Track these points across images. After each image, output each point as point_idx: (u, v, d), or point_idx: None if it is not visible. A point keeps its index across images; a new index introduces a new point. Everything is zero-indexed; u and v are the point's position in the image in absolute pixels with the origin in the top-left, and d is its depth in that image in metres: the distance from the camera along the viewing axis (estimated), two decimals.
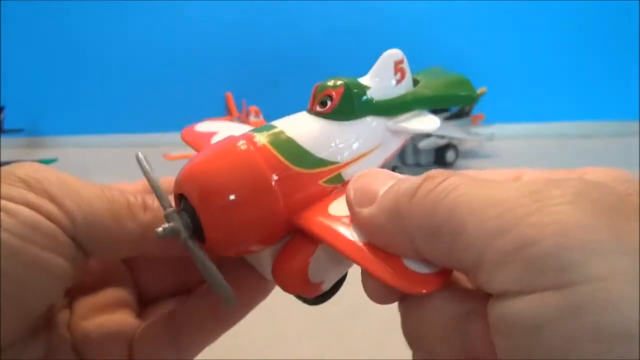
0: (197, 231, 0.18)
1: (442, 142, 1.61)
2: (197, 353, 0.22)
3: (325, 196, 0.19)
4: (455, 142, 1.67)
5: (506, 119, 1.96)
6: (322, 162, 0.19)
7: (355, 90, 0.21)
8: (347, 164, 0.20)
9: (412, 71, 0.24)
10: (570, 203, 0.12)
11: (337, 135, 0.20)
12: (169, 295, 0.24)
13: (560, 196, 0.13)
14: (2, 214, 0.16)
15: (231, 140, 0.19)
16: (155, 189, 0.18)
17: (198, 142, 0.24)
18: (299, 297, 0.21)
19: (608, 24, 1.93)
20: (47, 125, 2.40)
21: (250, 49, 2.07)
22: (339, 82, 0.21)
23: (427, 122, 0.23)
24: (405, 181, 0.16)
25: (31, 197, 0.17)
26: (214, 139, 0.23)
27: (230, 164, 0.18)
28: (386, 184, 0.17)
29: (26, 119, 2.26)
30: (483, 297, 0.14)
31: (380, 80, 0.22)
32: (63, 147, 2.29)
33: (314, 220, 0.18)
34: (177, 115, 1.52)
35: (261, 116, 1.61)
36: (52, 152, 1.98)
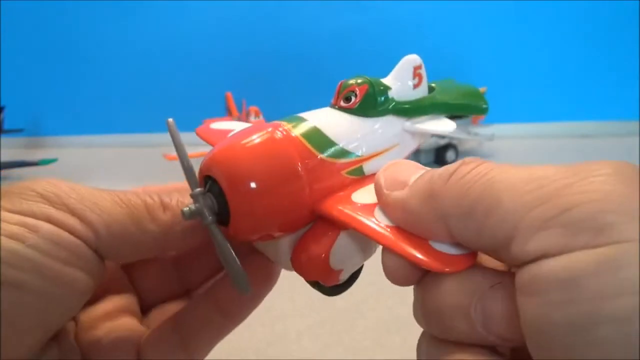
0: (220, 215, 0.18)
1: (442, 142, 1.62)
2: (206, 353, 0.22)
3: (347, 187, 0.20)
4: (455, 142, 1.67)
5: (506, 119, 1.96)
6: (346, 153, 0.20)
7: (378, 89, 0.22)
8: (368, 158, 0.21)
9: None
10: (609, 175, 0.13)
11: (360, 129, 0.21)
12: (169, 299, 0.24)
13: (599, 169, 0.13)
14: (24, 229, 0.16)
15: (261, 127, 0.19)
16: (184, 165, 0.18)
17: (214, 138, 0.24)
18: (316, 285, 0.21)
19: (608, 24, 1.93)
20: (47, 125, 2.40)
21: (251, 49, 2.07)
22: (363, 80, 0.22)
23: (443, 125, 0.24)
24: (439, 169, 0.16)
25: (52, 212, 0.17)
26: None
27: (262, 149, 0.18)
28: (417, 173, 0.17)
29: (26, 119, 2.26)
30: (507, 272, 0.14)
31: (399, 82, 0.23)
32: (63, 147, 2.29)
33: (338, 207, 0.18)
34: (177, 115, 1.51)
35: (261, 116, 1.61)
36: (52, 152, 1.98)
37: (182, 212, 0.17)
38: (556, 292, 0.12)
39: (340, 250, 0.19)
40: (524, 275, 0.13)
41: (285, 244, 0.20)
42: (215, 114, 1.78)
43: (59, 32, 2.19)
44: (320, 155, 0.19)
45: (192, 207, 0.18)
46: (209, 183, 0.18)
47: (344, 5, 1.98)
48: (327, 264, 0.19)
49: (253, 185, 0.17)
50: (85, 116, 2.33)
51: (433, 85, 0.25)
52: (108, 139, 2.32)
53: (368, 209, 0.18)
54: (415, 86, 0.24)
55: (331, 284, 0.20)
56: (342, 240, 0.19)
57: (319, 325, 0.82)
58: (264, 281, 0.23)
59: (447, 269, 0.15)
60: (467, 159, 0.16)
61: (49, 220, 0.16)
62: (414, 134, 0.23)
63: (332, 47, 2.01)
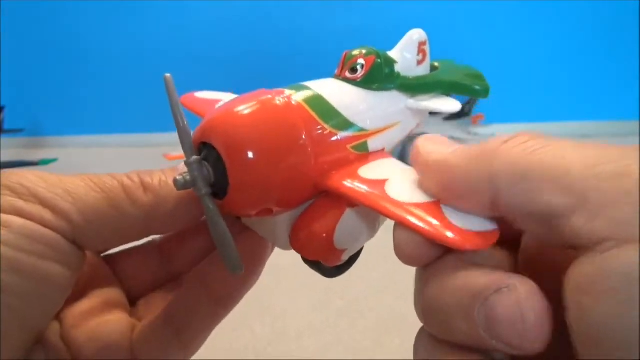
0: (216, 186, 0.17)
1: None
2: (201, 342, 0.21)
3: (352, 163, 0.19)
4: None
5: (506, 119, 1.96)
6: (352, 126, 0.19)
7: (385, 61, 0.21)
8: (373, 133, 0.20)
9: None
10: None
11: (365, 101, 0.20)
12: (157, 287, 0.23)
13: None
14: None
15: (263, 92, 0.18)
16: (179, 127, 0.17)
17: (202, 107, 0.23)
18: (315, 266, 0.20)
19: (608, 24, 1.93)
20: (47, 125, 2.39)
21: (251, 49, 2.07)
22: (369, 50, 0.21)
23: (448, 104, 0.22)
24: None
25: (21, 204, 0.15)
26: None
27: (264, 114, 0.17)
28: (456, 145, 0.16)
29: (26, 119, 2.26)
30: (515, 275, 0.13)
31: (404, 57, 0.22)
32: (63, 147, 2.29)
33: (345, 181, 0.17)
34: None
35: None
36: (52, 152, 1.98)
37: (175, 181, 0.16)
38: (632, 290, 0.10)
39: (345, 229, 0.18)
40: (587, 267, 0.11)
41: (283, 221, 0.19)
42: None
43: (59, 32, 2.19)
44: (325, 124, 0.18)
45: (186, 176, 0.16)
46: (205, 151, 0.17)
47: (344, 5, 1.98)
48: (331, 243, 0.18)
49: (255, 152, 0.16)
50: (85, 116, 2.33)
51: (436, 64, 0.24)
52: (108, 139, 2.32)
53: (378, 184, 0.17)
54: (419, 62, 0.23)
55: (333, 264, 0.19)
56: (348, 218, 0.18)
57: (319, 325, 0.82)
58: (254, 263, 0.21)
59: (467, 246, 0.14)
60: (524, 132, 0.15)
61: (19, 214, 0.15)
62: (415, 112, 0.22)
63: (333, 47, 2.01)
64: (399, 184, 0.17)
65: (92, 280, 0.21)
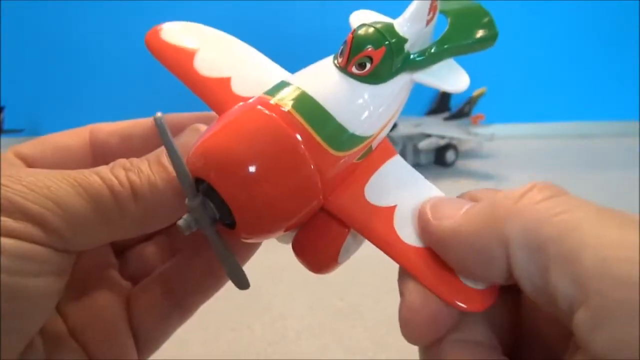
0: (224, 217, 0.15)
1: (442, 142, 1.61)
2: (198, 307, 0.21)
3: (354, 172, 0.17)
4: (455, 142, 1.67)
5: (506, 119, 1.96)
6: (359, 140, 0.17)
7: (397, 49, 0.18)
8: (379, 133, 0.18)
9: None
10: None
11: (375, 102, 0.18)
12: (143, 240, 0.22)
13: None
14: None
15: (249, 108, 0.16)
16: (178, 171, 0.15)
17: (177, 64, 0.20)
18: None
19: (608, 24, 1.93)
20: (47, 125, 2.39)
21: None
22: (380, 38, 0.18)
23: (457, 81, 0.20)
24: (501, 192, 0.14)
25: (9, 224, 0.14)
26: (198, 60, 0.20)
27: (257, 139, 0.15)
28: (467, 204, 0.15)
29: (26, 119, 2.26)
30: (522, 316, 0.13)
31: (414, 25, 0.19)
32: None
33: (353, 208, 0.16)
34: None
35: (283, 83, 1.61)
36: None
37: (179, 227, 0.15)
38: None
39: (348, 247, 0.18)
40: None
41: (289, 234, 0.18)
42: None
43: (59, 32, 2.19)
44: (332, 151, 0.16)
45: (189, 219, 0.15)
46: (202, 185, 0.16)
47: (345, 5, 1.98)
48: (335, 260, 0.18)
49: (250, 179, 0.15)
50: (85, 116, 2.33)
51: (444, 11, 0.22)
52: None
53: (387, 215, 0.16)
54: (429, 22, 0.20)
55: (330, 273, 0.19)
56: (350, 238, 0.18)
57: (319, 325, 0.82)
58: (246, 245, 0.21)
59: (480, 308, 0.14)
60: (539, 183, 0.14)
61: (10, 234, 0.14)
62: (414, 82, 0.20)
63: (333, 47, 2.01)
64: (407, 215, 0.17)
65: None
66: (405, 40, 0.19)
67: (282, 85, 0.17)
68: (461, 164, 1.69)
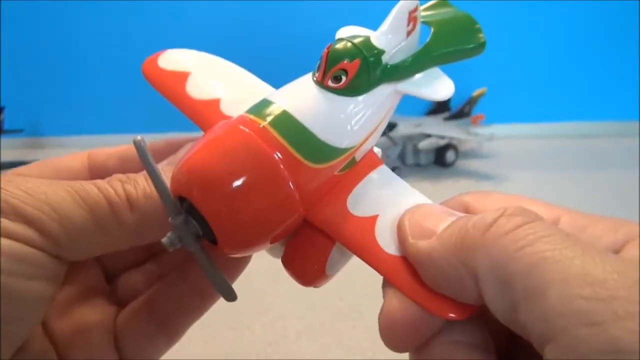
0: (207, 233, 0.16)
1: (442, 142, 1.61)
2: (186, 331, 0.21)
3: (338, 184, 0.18)
4: (455, 142, 1.67)
5: (506, 120, 1.96)
6: (338, 152, 0.17)
7: (372, 62, 0.18)
8: (360, 144, 0.18)
9: None
10: None
11: (353, 114, 0.18)
12: (134, 266, 0.22)
13: None
14: None
15: (229, 129, 0.16)
16: (159, 191, 0.16)
17: (169, 88, 0.21)
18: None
19: (608, 24, 1.93)
20: (47, 125, 2.39)
21: (250, 48, 2.07)
22: (354, 51, 0.18)
23: (441, 89, 0.20)
24: (473, 216, 0.14)
25: (7, 224, 0.15)
26: (190, 84, 0.21)
27: (233, 157, 0.16)
28: (446, 220, 0.15)
29: (26, 119, 2.26)
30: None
31: (393, 37, 0.19)
32: (63, 147, 2.29)
33: (335, 220, 0.17)
34: (177, 115, 1.52)
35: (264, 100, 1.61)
36: (52, 153, 1.98)
37: (163, 244, 0.16)
38: None
39: (335, 258, 0.18)
40: None
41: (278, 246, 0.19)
42: None
43: (59, 32, 2.19)
44: (309, 164, 0.16)
45: (172, 236, 0.16)
46: (185, 203, 0.16)
47: (345, 5, 1.98)
48: (322, 272, 0.18)
49: (228, 196, 0.15)
50: (85, 116, 2.33)
51: (427, 21, 0.21)
52: (108, 139, 2.32)
53: (368, 225, 0.16)
54: (409, 33, 0.20)
55: (321, 286, 0.19)
56: (337, 250, 0.18)
57: (319, 325, 0.82)
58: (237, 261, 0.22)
59: (447, 314, 0.14)
60: (509, 208, 0.14)
61: (7, 235, 0.14)
62: (401, 93, 0.20)
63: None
64: (389, 225, 0.17)
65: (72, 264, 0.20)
66: (382, 52, 0.19)
67: (262, 103, 0.17)
68: (461, 164, 1.69)
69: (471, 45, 0.22)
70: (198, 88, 0.21)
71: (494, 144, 1.76)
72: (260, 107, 0.17)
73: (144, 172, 0.18)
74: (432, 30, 0.21)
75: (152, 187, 0.17)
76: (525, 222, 0.13)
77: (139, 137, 0.16)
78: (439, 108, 1.84)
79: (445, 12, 0.23)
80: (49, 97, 2.32)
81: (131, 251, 0.21)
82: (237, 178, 0.15)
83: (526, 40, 1.97)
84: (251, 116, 0.17)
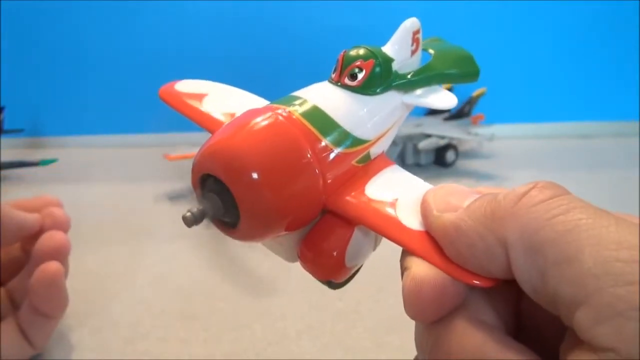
0: (227, 215, 0.16)
1: (442, 142, 1.61)
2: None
3: (357, 176, 0.18)
4: (455, 142, 1.67)
5: (506, 120, 1.96)
6: (357, 141, 0.19)
7: (385, 63, 0.20)
8: (375, 141, 0.19)
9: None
10: None
11: (368, 110, 0.20)
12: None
13: None
14: None
15: (258, 112, 0.17)
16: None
17: (186, 105, 0.21)
18: (322, 281, 0.20)
19: (608, 25, 1.92)
20: (47, 125, 2.39)
21: (251, 48, 2.07)
22: (368, 53, 0.20)
23: (445, 99, 0.22)
24: (503, 190, 0.14)
25: None
26: (207, 102, 0.22)
27: (268, 138, 0.16)
28: (471, 197, 0.15)
29: (26, 119, 2.26)
30: (527, 350, 0.13)
31: (400, 52, 0.22)
32: (63, 147, 2.29)
33: (357, 203, 0.17)
34: (177, 115, 1.52)
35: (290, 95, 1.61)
36: (52, 153, 1.98)
37: (184, 218, 0.16)
38: None
39: (355, 247, 0.18)
40: None
41: (292, 237, 0.19)
42: None
43: (59, 32, 2.19)
44: (330, 144, 0.17)
45: (194, 210, 0.16)
46: (209, 182, 0.16)
47: (346, 5, 1.98)
48: (342, 262, 0.18)
49: (262, 178, 0.16)
50: (85, 116, 2.33)
51: (430, 50, 0.24)
52: (108, 139, 2.32)
53: (390, 207, 0.17)
54: (413, 52, 0.22)
55: (342, 280, 0.19)
56: (357, 237, 0.18)
57: (319, 325, 0.82)
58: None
59: (475, 281, 0.14)
60: (540, 182, 0.14)
61: None
62: (408, 106, 0.22)
63: (334, 48, 2.01)
64: (409, 205, 0.17)
65: None
66: (392, 60, 0.21)
67: (290, 97, 0.19)
68: (461, 164, 1.69)
69: (468, 70, 0.24)
70: (215, 104, 0.23)
71: (494, 144, 1.76)
72: (289, 100, 0.18)
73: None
74: (432, 54, 0.23)
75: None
76: (556, 194, 0.13)
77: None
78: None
79: (442, 43, 0.25)
80: (49, 97, 2.32)
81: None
82: (271, 160, 0.16)
83: (526, 40, 1.97)
84: (282, 105, 0.18)
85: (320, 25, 2.03)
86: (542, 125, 2.05)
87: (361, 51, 0.20)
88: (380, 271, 0.89)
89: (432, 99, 0.22)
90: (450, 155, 1.66)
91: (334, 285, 0.20)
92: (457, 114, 1.76)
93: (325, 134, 0.17)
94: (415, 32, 0.22)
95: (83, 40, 2.19)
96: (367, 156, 0.19)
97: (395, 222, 0.16)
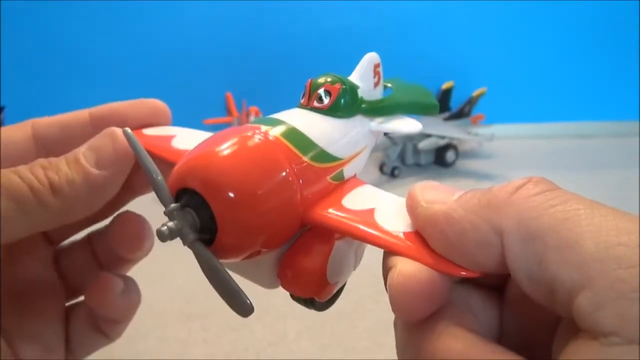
0: (202, 232, 0.16)
1: (442, 142, 1.61)
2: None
3: (332, 193, 0.18)
4: (455, 142, 1.67)
5: (506, 120, 1.96)
6: (331, 158, 0.19)
7: (350, 88, 0.21)
8: (347, 161, 0.20)
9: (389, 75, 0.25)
10: None
11: (337, 130, 0.20)
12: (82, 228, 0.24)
13: None
14: None
15: (237, 130, 0.17)
16: (152, 178, 0.16)
17: (156, 145, 0.22)
18: (305, 302, 0.20)
19: (608, 24, 1.93)
20: None
21: (251, 49, 2.07)
22: (334, 78, 0.21)
23: (410, 125, 0.23)
24: (495, 186, 0.14)
25: None
26: (176, 141, 0.22)
27: (246, 152, 0.16)
28: (458, 192, 0.15)
29: (26, 119, 2.25)
30: (504, 312, 0.13)
31: (364, 82, 0.22)
32: None
33: (334, 214, 0.17)
34: (177, 115, 1.51)
35: (262, 116, 1.61)
36: None
37: (159, 233, 0.15)
38: None
39: (336, 261, 0.18)
40: (586, 353, 0.11)
41: (269, 260, 0.18)
42: (215, 114, 1.78)
43: (59, 32, 2.19)
44: (307, 159, 0.18)
45: (171, 225, 0.15)
46: (186, 197, 0.16)
47: (345, 6, 1.98)
48: (324, 278, 0.18)
49: (243, 192, 0.15)
50: None
51: (389, 84, 0.25)
52: None
53: (367, 214, 0.17)
54: (375, 84, 0.23)
55: (326, 298, 0.19)
56: (337, 250, 0.18)
57: (319, 326, 0.82)
58: (136, 245, 0.22)
59: (460, 272, 0.14)
60: (534, 177, 0.14)
61: None
62: (375, 134, 0.23)
63: (334, 48, 2.01)
64: (387, 213, 0.17)
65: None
66: (357, 87, 0.22)
67: (262, 119, 0.19)
68: (461, 164, 1.69)
69: (427, 102, 0.26)
70: (185, 143, 0.22)
71: (494, 144, 1.76)
72: (264, 121, 0.19)
73: (67, 157, 0.19)
74: (392, 87, 0.25)
75: (74, 173, 0.19)
76: (551, 188, 0.13)
77: (127, 129, 0.18)
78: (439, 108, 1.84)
79: (401, 81, 0.26)
80: (49, 97, 2.32)
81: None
82: (252, 175, 0.16)
83: (526, 41, 1.97)
84: (259, 124, 0.18)
85: (320, 27, 2.03)
86: (542, 125, 2.05)
87: (329, 77, 0.21)
88: (380, 272, 0.89)
89: (398, 125, 0.23)
90: (450, 155, 1.66)
91: (317, 305, 0.20)
92: (457, 114, 1.77)
93: (301, 150, 0.18)
94: (376, 66, 0.23)
95: (83, 41, 2.19)
96: (341, 174, 0.19)
97: (376, 227, 0.16)
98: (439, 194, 0.15)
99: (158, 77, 2.18)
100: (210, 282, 0.16)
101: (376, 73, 0.23)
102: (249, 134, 0.17)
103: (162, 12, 2.09)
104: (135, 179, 0.21)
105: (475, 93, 1.75)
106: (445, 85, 1.81)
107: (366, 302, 0.85)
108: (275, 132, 0.18)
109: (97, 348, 0.23)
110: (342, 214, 0.17)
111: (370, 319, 0.82)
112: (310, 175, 0.18)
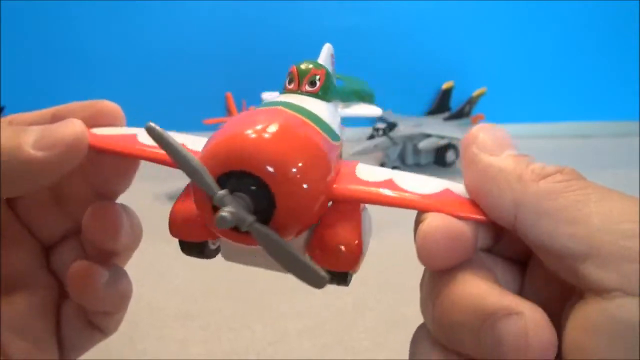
0: (258, 215, 0.15)
1: (442, 142, 1.62)
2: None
3: (341, 169, 0.19)
4: (455, 142, 1.67)
5: (506, 119, 1.96)
6: (337, 137, 0.20)
7: (329, 75, 0.22)
8: (340, 144, 0.21)
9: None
10: None
11: (332, 112, 0.21)
12: (68, 236, 0.23)
13: None
14: None
15: (272, 112, 0.18)
16: (191, 167, 0.15)
17: (121, 144, 0.21)
18: (339, 280, 0.19)
19: (608, 24, 1.93)
20: None
21: (251, 49, 2.07)
22: (319, 64, 0.22)
23: (369, 109, 0.25)
24: (537, 163, 0.16)
25: None
26: (142, 139, 0.21)
27: (292, 132, 0.17)
28: (512, 149, 0.17)
29: None
30: (526, 302, 0.14)
31: (329, 67, 0.23)
32: None
33: (360, 187, 0.18)
34: (177, 115, 1.52)
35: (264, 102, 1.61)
36: None
37: (220, 220, 0.14)
38: (634, 339, 0.11)
39: (365, 232, 0.18)
40: (592, 311, 0.12)
41: (299, 242, 0.18)
42: (215, 114, 1.78)
43: (59, 32, 2.19)
44: (328, 138, 0.19)
45: (227, 212, 0.15)
46: (232, 181, 0.16)
47: (345, 6, 1.98)
48: (361, 247, 0.18)
49: (299, 172, 0.16)
50: None
51: (338, 76, 0.26)
52: None
53: (390, 184, 0.18)
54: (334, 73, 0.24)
55: (358, 269, 0.19)
56: (364, 220, 0.18)
57: (319, 325, 0.82)
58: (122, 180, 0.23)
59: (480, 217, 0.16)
60: (567, 168, 0.15)
61: None
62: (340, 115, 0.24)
63: (334, 47, 2.01)
64: (405, 180, 0.18)
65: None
66: (330, 72, 0.23)
67: (275, 102, 0.20)
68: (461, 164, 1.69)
69: (368, 90, 0.28)
70: (150, 139, 0.21)
71: None
72: (278, 104, 0.19)
73: (15, 128, 0.20)
74: (342, 78, 0.26)
75: (11, 143, 0.19)
76: (577, 177, 0.15)
77: (151, 123, 0.16)
78: (438, 108, 1.84)
79: (341, 73, 0.28)
80: (49, 97, 2.32)
81: (60, 222, 0.23)
82: (305, 156, 0.16)
83: (526, 40, 1.97)
84: (277, 107, 0.19)
85: (321, 27, 2.03)
86: (542, 125, 2.05)
87: (311, 64, 0.22)
88: (381, 271, 0.89)
89: (359, 109, 0.25)
90: (450, 155, 1.66)
91: (350, 277, 0.19)
92: (457, 114, 1.77)
93: (322, 129, 0.19)
94: (332, 55, 0.25)
95: (83, 41, 2.19)
96: (341, 154, 0.21)
97: (399, 190, 0.17)
98: (495, 141, 0.17)
99: (158, 77, 2.18)
100: (278, 259, 0.16)
101: (332, 63, 0.25)
102: (286, 116, 0.18)
103: (162, 12, 2.09)
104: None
105: (475, 93, 1.75)
106: (445, 85, 1.81)
107: (366, 302, 0.85)
108: (296, 112, 0.18)
109: (92, 344, 0.23)
110: (371, 187, 0.18)
111: (371, 319, 0.82)
112: (334, 152, 0.18)
